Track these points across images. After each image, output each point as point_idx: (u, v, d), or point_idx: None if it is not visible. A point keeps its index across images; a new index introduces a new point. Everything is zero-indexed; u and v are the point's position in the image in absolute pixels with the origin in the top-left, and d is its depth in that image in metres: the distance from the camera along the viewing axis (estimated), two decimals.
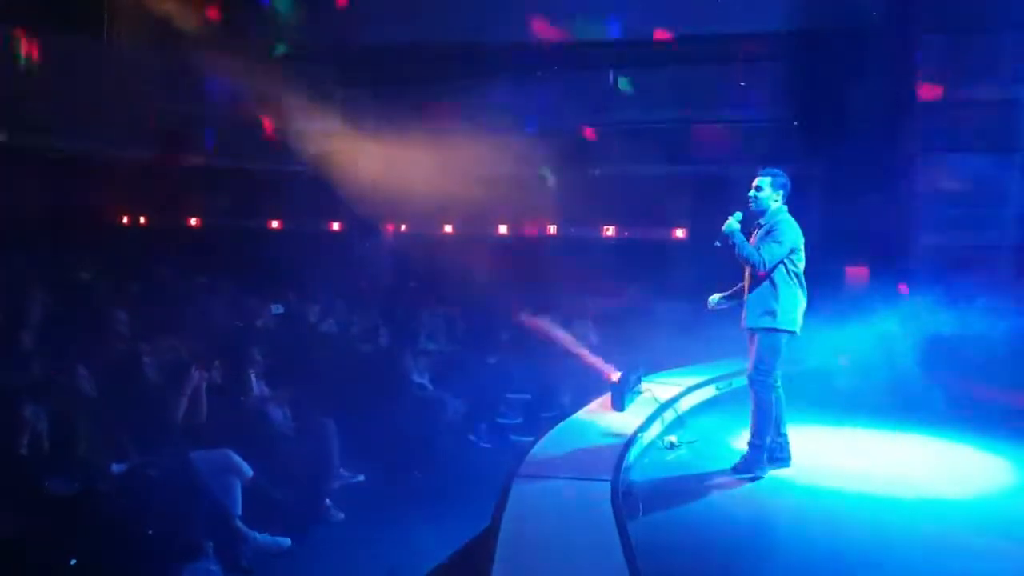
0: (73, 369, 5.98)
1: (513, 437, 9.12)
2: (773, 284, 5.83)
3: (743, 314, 5.97)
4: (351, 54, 12.87)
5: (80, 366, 5.98)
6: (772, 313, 5.82)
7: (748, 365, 6.00)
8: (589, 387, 9.56)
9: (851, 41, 11.39)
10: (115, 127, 13.52)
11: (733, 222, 5.84)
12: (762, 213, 5.97)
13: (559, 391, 10.07)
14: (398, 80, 13.23)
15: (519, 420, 9.59)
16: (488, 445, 8.95)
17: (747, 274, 5.94)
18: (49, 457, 5.10)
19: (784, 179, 5.98)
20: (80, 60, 13.48)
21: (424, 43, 13.91)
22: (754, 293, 5.88)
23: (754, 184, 5.98)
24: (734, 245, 5.81)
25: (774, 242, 5.81)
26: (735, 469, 5.90)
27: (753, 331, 5.92)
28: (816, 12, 11.55)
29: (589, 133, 14.27)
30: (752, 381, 5.95)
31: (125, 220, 15.60)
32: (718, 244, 5.88)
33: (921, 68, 10.18)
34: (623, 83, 14.00)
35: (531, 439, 8.66)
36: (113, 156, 14.15)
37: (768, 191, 5.94)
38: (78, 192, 14.67)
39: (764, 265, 5.75)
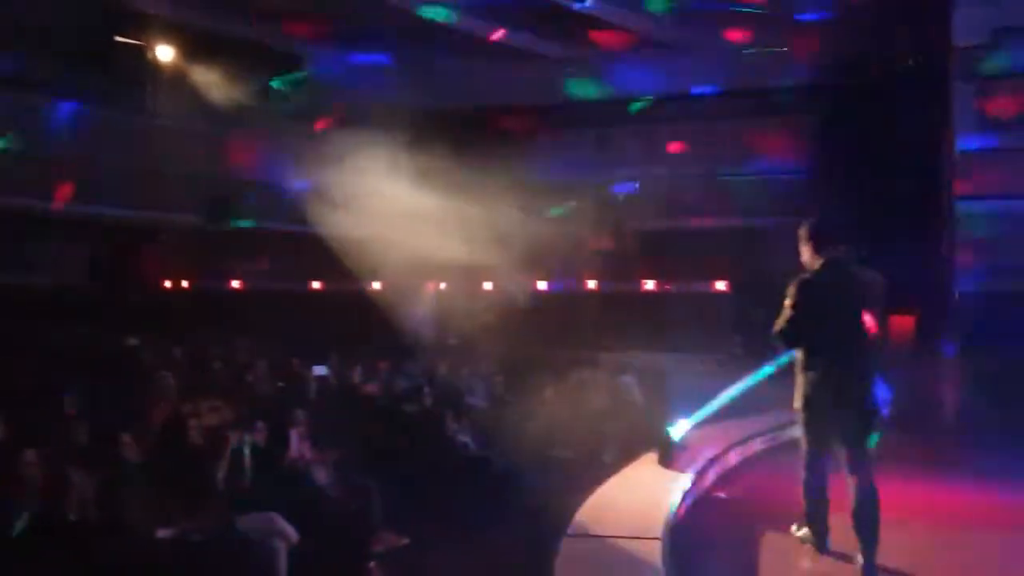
0: (117, 435, 6.02)
1: (558, 495, 9.00)
2: None
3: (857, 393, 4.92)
4: (393, 118, 13.14)
5: (124, 432, 6.01)
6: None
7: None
8: (634, 443, 9.48)
9: (884, 92, 11.38)
10: (159, 195, 13.86)
11: None
12: None
13: (603, 448, 9.97)
14: (436, 142, 13.42)
15: (564, 478, 9.46)
16: (533, 503, 8.81)
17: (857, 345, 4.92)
18: (96, 523, 5.09)
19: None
20: (125, 131, 13.90)
21: (460, 106, 14.20)
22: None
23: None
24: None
25: None
26: None
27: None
28: (848, 65, 11.56)
29: (626, 188, 14.34)
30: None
31: (168, 284, 15.86)
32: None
33: (955, 115, 10.08)
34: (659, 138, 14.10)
35: (577, 496, 8.63)
36: (156, 222, 14.48)
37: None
38: (122, 258, 15.04)
39: None
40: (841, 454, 4.97)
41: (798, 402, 5.06)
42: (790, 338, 4.91)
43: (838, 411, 4.92)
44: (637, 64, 13.04)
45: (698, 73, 12.76)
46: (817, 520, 5.30)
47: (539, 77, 13.81)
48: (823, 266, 4.97)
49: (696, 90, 13.13)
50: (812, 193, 11.80)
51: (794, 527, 5.53)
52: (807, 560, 5.35)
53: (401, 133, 12.44)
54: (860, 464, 4.89)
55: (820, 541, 5.30)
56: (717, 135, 13.42)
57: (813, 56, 11.76)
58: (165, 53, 13.92)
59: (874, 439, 4.94)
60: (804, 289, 4.87)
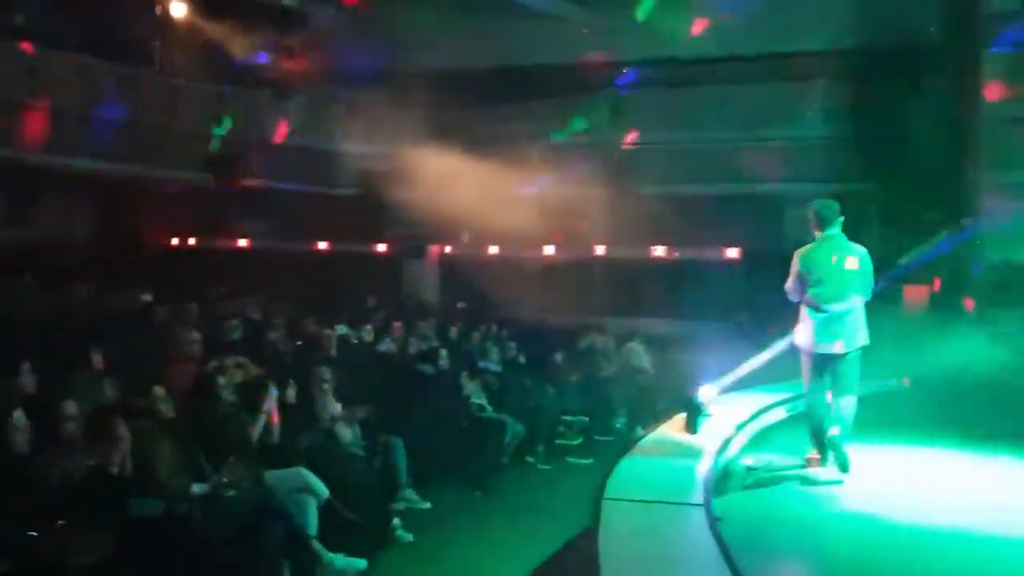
0: (150, 390, 5.99)
1: (570, 459, 9.06)
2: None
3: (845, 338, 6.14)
4: (402, 79, 12.98)
5: (158, 387, 5.98)
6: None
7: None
8: (642, 408, 9.54)
9: (908, 58, 11.27)
10: (166, 152, 13.67)
11: None
12: None
13: (614, 414, 10.02)
14: (447, 104, 13.29)
15: (578, 442, 9.53)
16: (547, 467, 8.87)
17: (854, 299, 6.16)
18: (133, 478, 5.07)
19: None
20: (131, 85, 13.65)
21: (471, 68, 14.07)
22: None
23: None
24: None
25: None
26: None
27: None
28: (872, 30, 11.43)
29: (640, 152, 14.22)
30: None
31: (175, 242, 15.73)
32: None
33: (981, 85, 10.00)
34: (672, 102, 13.96)
35: (589, 461, 8.69)
36: (163, 180, 14.29)
37: None
38: (129, 216, 14.88)
39: None
40: (828, 382, 6.24)
41: (800, 340, 6.32)
42: (791, 293, 6.31)
43: (823, 352, 6.19)
44: (657, 28, 12.84)
45: (721, 36, 12.60)
46: (822, 437, 6.21)
47: (558, 38, 13.66)
48: (820, 240, 6.25)
49: (718, 53, 12.96)
50: (832, 160, 11.75)
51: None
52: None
53: (419, 93, 12.31)
54: (839, 391, 6.19)
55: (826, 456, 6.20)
56: (739, 99, 13.27)
57: (840, 20, 11.61)
58: (176, 8, 13.69)
59: (851, 376, 6.17)
60: (801, 257, 6.26)
